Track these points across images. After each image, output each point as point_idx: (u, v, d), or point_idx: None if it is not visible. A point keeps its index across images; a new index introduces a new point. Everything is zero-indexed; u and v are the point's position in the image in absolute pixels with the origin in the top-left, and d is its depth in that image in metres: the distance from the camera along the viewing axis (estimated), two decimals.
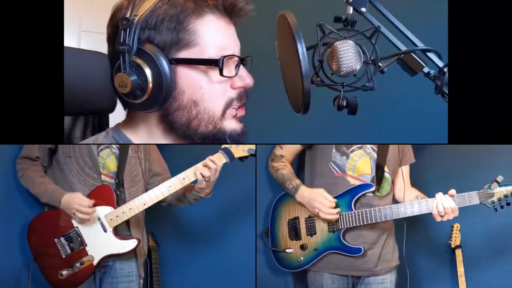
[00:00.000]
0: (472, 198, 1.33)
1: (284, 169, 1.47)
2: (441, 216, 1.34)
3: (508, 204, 1.34)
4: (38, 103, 1.07)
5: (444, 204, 1.33)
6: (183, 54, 1.01)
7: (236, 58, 1.05)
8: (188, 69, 1.01)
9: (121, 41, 0.97)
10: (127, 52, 0.97)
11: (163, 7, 0.99)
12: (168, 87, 0.99)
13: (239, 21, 1.09)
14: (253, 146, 1.32)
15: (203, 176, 1.31)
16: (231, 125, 1.06)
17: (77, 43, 2.61)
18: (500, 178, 1.33)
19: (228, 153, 1.31)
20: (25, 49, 1.06)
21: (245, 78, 1.06)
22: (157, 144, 1.48)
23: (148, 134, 1.09)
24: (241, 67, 1.06)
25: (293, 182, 1.44)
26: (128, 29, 0.97)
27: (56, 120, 1.10)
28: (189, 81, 1.02)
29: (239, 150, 1.32)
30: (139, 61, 0.98)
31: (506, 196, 1.33)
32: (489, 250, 1.67)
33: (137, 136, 1.11)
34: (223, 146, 1.32)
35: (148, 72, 0.98)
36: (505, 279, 1.65)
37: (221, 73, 1.01)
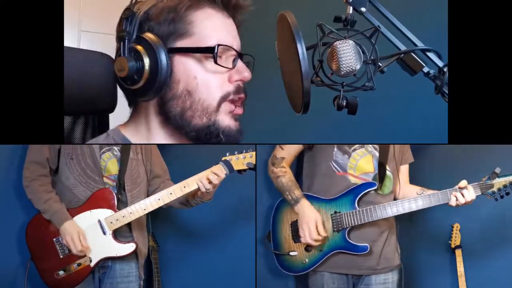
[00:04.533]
0: (474, 189, 1.35)
1: (284, 176, 1.46)
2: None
3: (507, 194, 1.36)
4: (38, 103, 1.07)
5: (467, 198, 1.34)
6: (180, 43, 1.04)
7: (234, 52, 1.06)
8: (183, 58, 1.04)
9: (123, 28, 1.03)
10: (127, 38, 1.02)
11: (164, 1, 1.04)
12: (163, 73, 1.02)
13: (239, 18, 1.11)
14: (253, 160, 1.33)
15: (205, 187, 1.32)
16: (226, 121, 1.07)
17: (77, 43, 2.61)
18: (498, 170, 1.35)
19: (228, 165, 1.33)
20: (25, 49, 1.06)
21: (242, 72, 1.07)
22: (159, 145, 1.48)
23: (146, 128, 1.11)
24: (239, 61, 1.07)
25: (293, 193, 1.43)
26: (130, 18, 1.03)
27: (56, 120, 1.10)
28: (184, 70, 1.04)
29: (239, 163, 1.33)
30: (138, 47, 1.02)
31: (505, 186, 1.36)
32: (489, 250, 1.67)
33: (137, 134, 1.12)
34: (223, 158, 1.33)
35: (145, 57, 1.01)
36: (505, 279, 1.65)
37: (215, 61, 1.02)
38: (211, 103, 1.05)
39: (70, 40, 2.55)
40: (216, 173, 1.31)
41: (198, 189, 1.33)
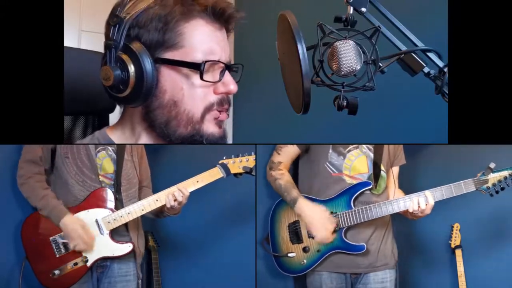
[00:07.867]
0: (468, 185, 1.36)
1: (281, 179, 1.46)
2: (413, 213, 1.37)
3: (502, 189, 1.36)
4: (38, 103, 1.07)
5: (421, 206, 1.34)
6: (169, 55, 1.03)
7: (222, 64, 1.06)
8: (171, 69, 1.04)
9: (110, 36, 1.02)
10: (113, 47, 1.01)
11: (154, 7, 1.03)
12: (149, 85, 1.02)
13: (231, 28, 1.10)
14: (249, 164, 1.34)
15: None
16: (210, 128, 1.07)
17: (77, 43, 2.61)
18: (492, 165, 1.35)
19: (225, 168, 1.34)
20: (25, 49, 1.06)
21: (228, 85, 1.07)
22: (157, 145, 1.48)
23: (132, 133, 1.12)
24: (227, 73, 1.07)
25: (291, 194, 1.43)
26: (117, 25, 1.01)
27: (56, 120, 1.10)
28: (171, 81, 1.04)
29: (235, 167, 1.35)
30: (124, 56, 1.01)
31: (500, 181, 1.36)
32: (489, 250, 1.67)
33: (122, 137, 1.14)
34: (220, 161, 1.35)
35: (131, 68, 1.01)
36: (505, 279, 1.65)
37: (201, 77, 1.03)
38: (196, 113, 1.05)
39: (70, 40, 2.55)
40: (181, 190, 1.33)
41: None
